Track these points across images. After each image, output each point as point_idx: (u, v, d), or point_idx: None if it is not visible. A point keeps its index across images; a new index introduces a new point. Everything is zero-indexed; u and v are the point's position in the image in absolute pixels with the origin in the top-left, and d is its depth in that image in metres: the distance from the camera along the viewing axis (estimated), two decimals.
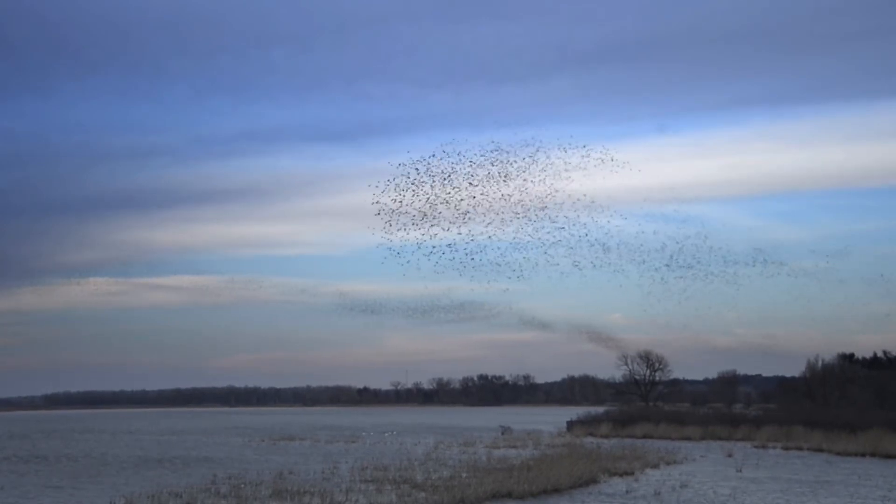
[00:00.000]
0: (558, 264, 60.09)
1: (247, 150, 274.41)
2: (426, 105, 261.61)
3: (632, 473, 42.04)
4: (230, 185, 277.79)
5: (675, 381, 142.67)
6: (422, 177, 48.88)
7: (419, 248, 50.72)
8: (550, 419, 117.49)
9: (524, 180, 50.50)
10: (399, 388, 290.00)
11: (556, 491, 34.74)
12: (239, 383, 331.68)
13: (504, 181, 50.10)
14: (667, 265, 63.21)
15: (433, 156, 48.51)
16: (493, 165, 50.06)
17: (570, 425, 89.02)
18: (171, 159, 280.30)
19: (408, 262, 53.14)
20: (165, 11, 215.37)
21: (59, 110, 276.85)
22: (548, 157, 51.82)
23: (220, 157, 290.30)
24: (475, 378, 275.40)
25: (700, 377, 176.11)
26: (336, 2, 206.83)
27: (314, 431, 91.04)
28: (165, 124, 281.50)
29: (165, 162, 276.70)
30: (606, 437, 75.56)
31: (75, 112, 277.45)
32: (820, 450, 59.18)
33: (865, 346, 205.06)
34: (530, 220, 52.52)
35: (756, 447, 63.63)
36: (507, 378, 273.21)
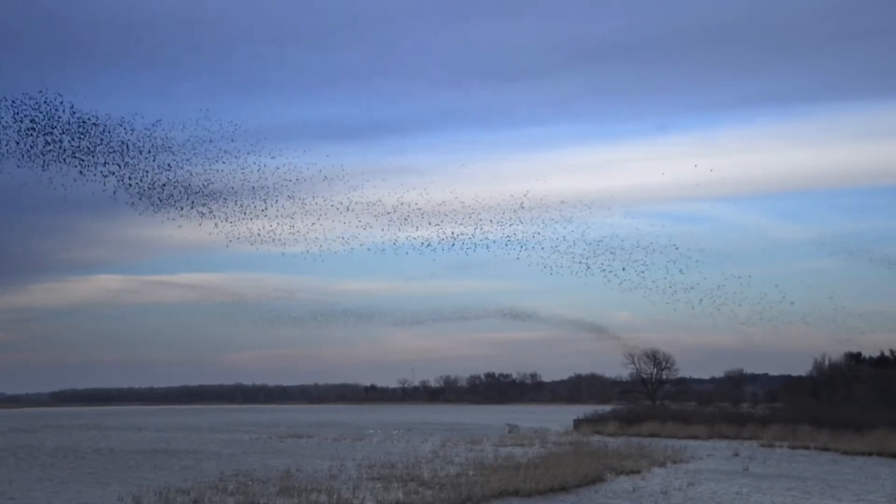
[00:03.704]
0: (562, 263, 59.95)
1: (258, 147, 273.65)
2: (437, 102, 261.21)
3: (638, 472, 42.07)
4: (240, 183, 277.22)
5: (682, 380, 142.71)
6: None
7: (421, 246, 50.52)
8: (557, 417, 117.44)
9: (528, 177, 50.29)
10: (406, 385, 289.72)
11: (563, 489, 34.82)
12: (246, 381, 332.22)
13: (500, 177, 49.84)
14: (674, 263, 63.08)
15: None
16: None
17: (577, 423, 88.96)
18: (181, 156, 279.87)
19: (407, 259, 53.02)
20: (178, 8, 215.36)
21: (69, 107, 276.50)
22: (558, 155, 51.77)
23: (232, 154, 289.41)
24: (482, 376, 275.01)
25: (707, 376, 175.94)
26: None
27: (321, 429, 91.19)
28: (177, 122, 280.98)
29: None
30: (613, 435, 75.52)
31: (86, 109, 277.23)
32: (826, 449, 59.13)
33: (872, 345, 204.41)
34: (533, 219, 52.31)
35: (763, 446, 63.58)
36: (514, 376, 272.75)
